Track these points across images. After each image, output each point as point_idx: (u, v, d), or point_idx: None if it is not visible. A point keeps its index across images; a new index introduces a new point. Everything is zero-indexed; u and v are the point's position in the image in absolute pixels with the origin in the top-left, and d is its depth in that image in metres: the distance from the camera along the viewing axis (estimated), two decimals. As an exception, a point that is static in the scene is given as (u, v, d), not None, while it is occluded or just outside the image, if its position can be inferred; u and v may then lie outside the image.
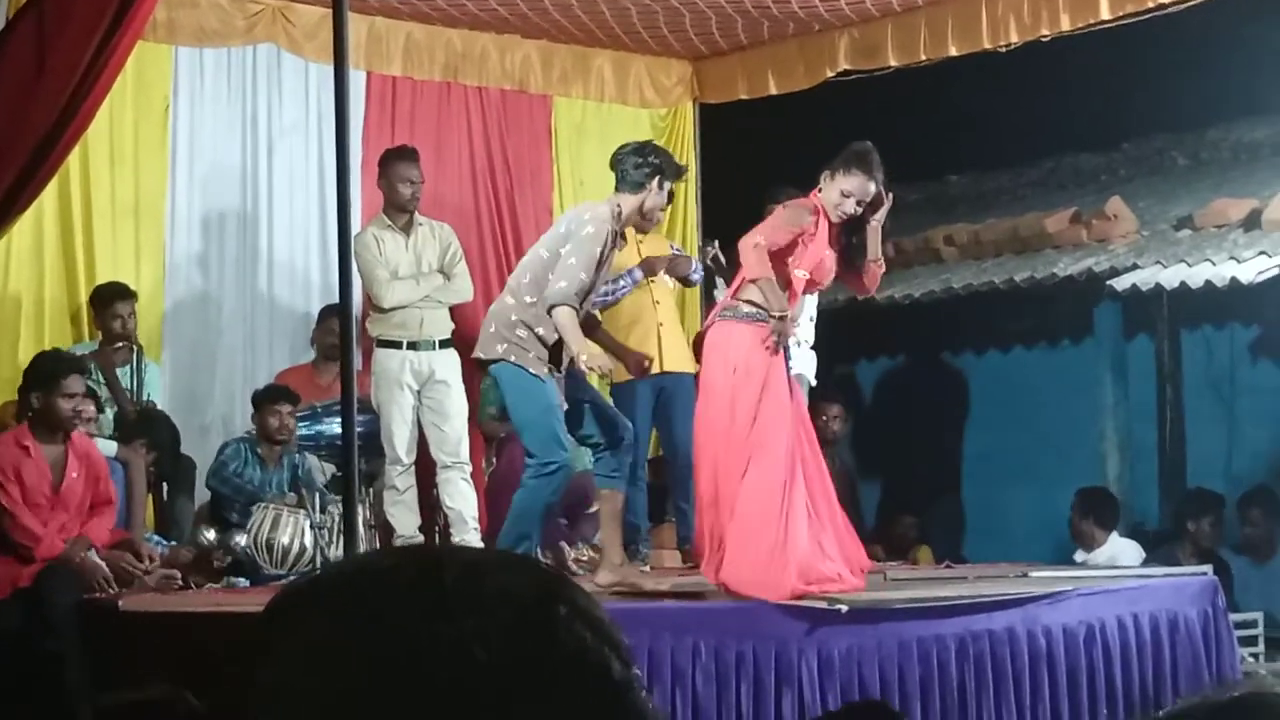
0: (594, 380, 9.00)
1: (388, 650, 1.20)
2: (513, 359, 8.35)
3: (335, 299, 9.33)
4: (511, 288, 8.58)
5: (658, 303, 10.47)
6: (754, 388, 7.88)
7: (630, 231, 10.38)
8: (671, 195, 10.36)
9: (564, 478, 8.40)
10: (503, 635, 1.21)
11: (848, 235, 8.26)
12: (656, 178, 8.50)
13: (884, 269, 8.61)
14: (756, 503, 7.78)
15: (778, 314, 7.90)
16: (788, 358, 8.15)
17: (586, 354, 8.17)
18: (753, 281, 7.94)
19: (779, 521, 7.75)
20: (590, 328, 8.62)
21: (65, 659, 8.01)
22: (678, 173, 8.79)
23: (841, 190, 8.09)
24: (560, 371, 8.48)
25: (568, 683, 1.22)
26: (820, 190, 8.18)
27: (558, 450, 8.33)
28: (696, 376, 9.19)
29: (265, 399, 10.24)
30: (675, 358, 10.47)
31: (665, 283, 10.63)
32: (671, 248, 11.07)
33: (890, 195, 8.31)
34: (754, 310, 7.97)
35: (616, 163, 8.69)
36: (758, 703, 7.36)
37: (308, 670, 1.21)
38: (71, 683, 7.94)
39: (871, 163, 8.13)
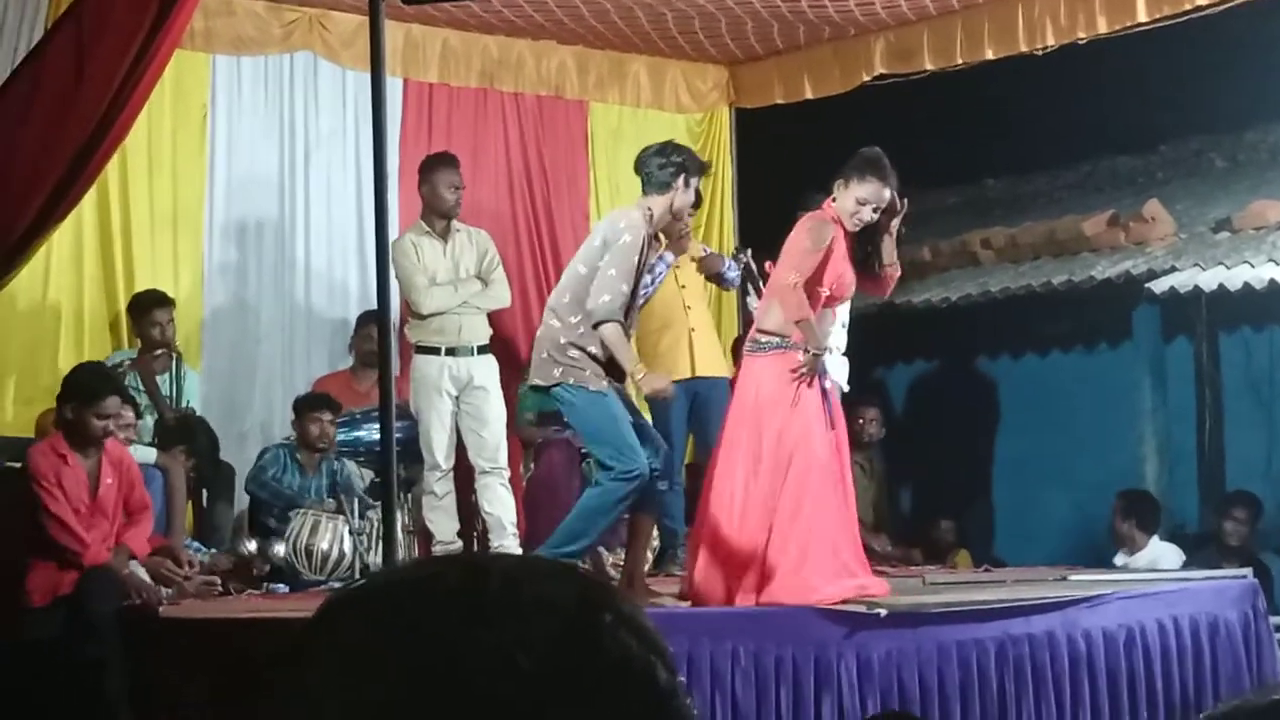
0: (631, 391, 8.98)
1: (428, 658, 1.20)
2: (571, 381, 8.32)
3: (373, 305, 9.36)
4: (554, 308, 8.53)
5: (689, 308, 10.46)
6: (782, 415, 7.88)
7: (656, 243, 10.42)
8: (699, 196, 10.40)
9: (642, 484, 8.37)
10: (546, 644, 1.21)
11: (862, 242, 8.24)
12: (682, 176, 8.51)
13: (899, 273, 8.61)
14: (803, 524, 7.81)
15: (815, 351, 7.91)
16: (822, 376, 8.12)
17: (643, 374, 8.27)
18: (797, 323, 7.92)
19: (812, 536, 7.80)
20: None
21: (106, 666, 8.04)
22: (701, 169, 8.78)
23: (857, 198, 8.07)
24: (620, 383, 8.48)
25: (612, 691, 1.22)
26: (834, 200, 8.15)
27: (635, 457, 8.23)
28: (732, 382, 9.21)
29: (306, 406, 10.28)
30: (708, 362, 10.48)
31: (699, 286, 10.62)
32: (703, 250, 11.05)
33: (905, 200, 8.28)
34: (778, 340, 7.99)
35: (640, 165, 8.70)
36: (797, 707, 7.35)
37: (347, 678, 1.22)
38: (112, 691, 7.96)
39: (885, 168, 8.11)
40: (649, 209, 8.50)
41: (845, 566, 8.04)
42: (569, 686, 1.21)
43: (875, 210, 8.10)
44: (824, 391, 8.04)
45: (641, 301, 9.67)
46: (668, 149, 8.69)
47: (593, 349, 8.29)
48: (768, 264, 9.14)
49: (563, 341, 8.34)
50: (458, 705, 1.19)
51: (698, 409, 10.39)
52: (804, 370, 7.88)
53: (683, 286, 10.47)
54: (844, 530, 8.09)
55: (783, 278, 8.03)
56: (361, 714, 1.20)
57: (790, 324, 7.95)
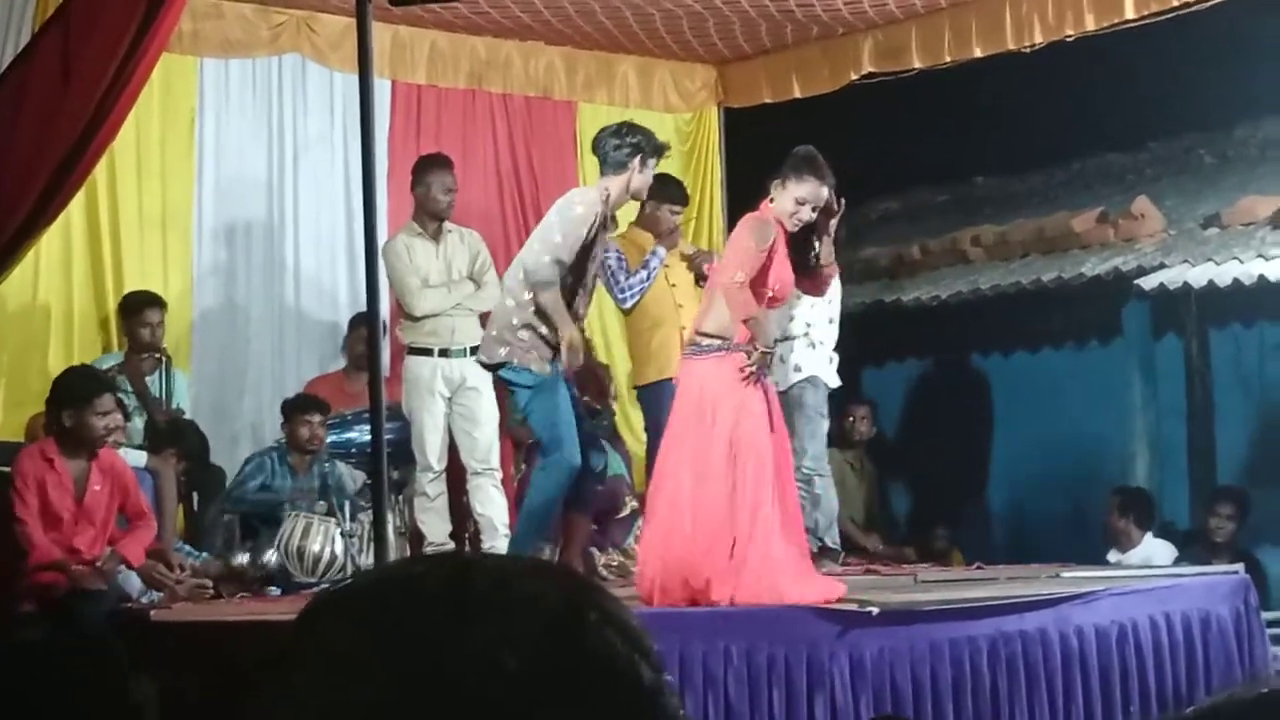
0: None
1: (413, 658, 1.20)
2: (515, 361, 8.40)
3: (362, 307, 9.36)
4: (509, 288, 8.60)
5: (680, 305, 10.46)
6: (729, 417, 7.76)
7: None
8: (686, 195, 10.43)
9: (571, 473, 8.35)
10: (531, 642, 1.21)
11: (799, 243, 8.16)
12: (638, 156, 8.54)
13: (836, 272, 8.55)
14: (763, 525, 7.77)
15: (765, 348, 7.83)
16: (764, 376, 8.01)
17: (567, 339, 8.29)
18: (745, 321, 7.78)
19: (773, 537, 7.76)
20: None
21: (129, 670, 7.95)
22: (658, 150, 8.76)
23: (796, 198, 7.96)
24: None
25: (597, 690, 1.22)
26: (772, 201, 8.06)
27: (567, 448, 8.33)
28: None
29: (295, 408, 10.27)
30: None
31: (689, 285, 10.62)
32: (692, 248, 11.03)
33: (842, 200, 8.19)
34: (719, 343, 7.85)
35: (597, 146, 8.73)
36: (790, 706, 7.34)
37: (332, 679, 1.21)
38: (139, 695, 7.84)
39: (821, 166, 8.00)
40: (606, 189, 8.54)
41: (809, 567, 8.03)
42: (554, 685, 1.20)
43: (814, 210, 8.01)
44: (764, 391, 7.96)
45: (635, 292, 9.73)
46: (623, 130, 8.71)
47: (544, 329, 8.32)
48: (707, 267, 9.11)
49: (514, 322, 8.43)
50: (443, 705, 1.19)
51: None
52: (752, 369, 7.80)
53: (673, 285, 10.46)
54: (798, 531, 8.06)
55: (727, 277, 7.87)
56: (347, 715, 1.19)
57: (732, 325, 7.81)
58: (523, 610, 1.23)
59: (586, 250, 8.42)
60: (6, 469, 8.95)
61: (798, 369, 10.22)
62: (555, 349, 8.45)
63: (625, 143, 8.57)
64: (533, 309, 8.38)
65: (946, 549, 12.67)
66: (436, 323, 10.07)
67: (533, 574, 1.28)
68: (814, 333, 10.26)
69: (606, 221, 8.61)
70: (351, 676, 1.21)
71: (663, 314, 10.42)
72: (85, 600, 8.34)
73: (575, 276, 8.50)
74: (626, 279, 10.27)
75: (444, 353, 10.06)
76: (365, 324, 10.33)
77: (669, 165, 12.21)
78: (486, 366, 8.75)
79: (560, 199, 8.91)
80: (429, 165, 10.40)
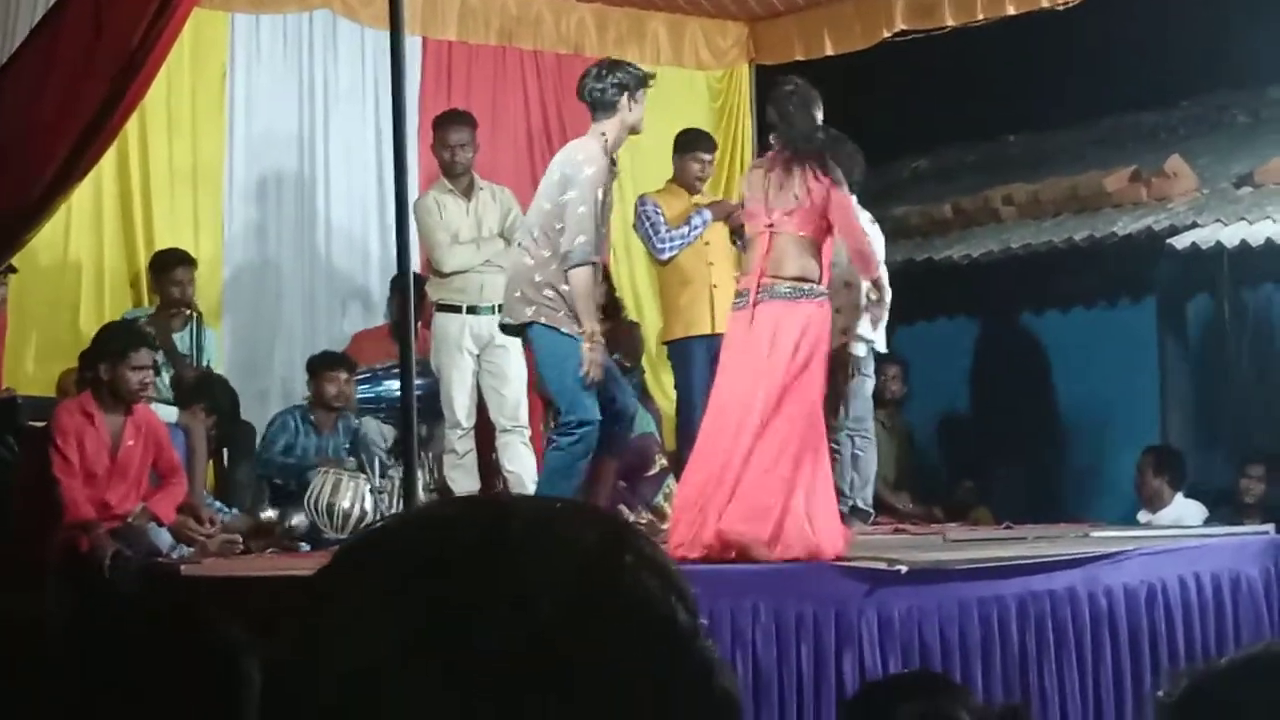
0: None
1: (450, 599, 1.20)
2: (544, 320, 8.30)
3: (393, 263, 9.36)
4: (525, 247, 8.51)
5: (711, 264, 10.45)
6: (821, 365, 7.79)
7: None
8: (714, 143, 10.39)
9: (593, 434, 8.32)
10: (566, 585, 1.21)
11: None
12: (624, 94, 8.48)
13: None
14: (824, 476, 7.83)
15: (881, 296, 8.31)
16: None
17: (591, 340, 8.14)
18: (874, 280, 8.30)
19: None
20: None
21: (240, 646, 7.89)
22: (642, 81, 8.65)
23: None
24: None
25: (632, 632, 1.22)
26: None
27: (587, 409, 8.27)
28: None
29: (321, 366, 10.26)
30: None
31: (722, 243, 10.60)
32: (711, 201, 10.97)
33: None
34: (822, 290, 7.82)
35: (582, 91, 8.63)
36: (818, 664, 7.35)
37: (365, 619, 1.21)
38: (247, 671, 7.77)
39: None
40: (603, 134, 8.47)
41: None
42: (589, 628, 1.20)
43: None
44: None
45: (675, 246, 9.75)
46: (604, 69, 8.63)
47: (565, 288, 8.26)
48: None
49: (537, 279, 8.31)
50: (480, 646, 1.19)
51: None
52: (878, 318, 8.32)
53: (706, 243, 10.46)
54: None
55: (865, 242, 8.15)
56: (378, 656, 1.19)
57: (819, 271, 7.80)
58: (558, 553, 1.23)
59: (604, 202, 8.37)
60: (39, 424, 8.99)
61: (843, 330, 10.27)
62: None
63: (608, 83, 8.50)
64: (553, 267, 8.29)
65: (976, 508, 12.65)
66: (465, 279, 10.07)
67: (569, 517, 1.28)
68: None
69: (613, 168, 8.55)
70: (383, 618, 1.21)
71: (693, 272, 10.42)
72: (118, 554, 8.36)
73: (597, 224, 8.43)
74: (666, 231, 10.27)
75: (472, 310, 10.06)
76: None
77: (701, 121, 12.22)
78: (511, 328, 8.64)
79: (559, 157, 8.70)
80: (436, 123, 10.43)
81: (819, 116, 8.11)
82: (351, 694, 1.20)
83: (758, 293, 7.75)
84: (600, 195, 8.24)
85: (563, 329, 8.29)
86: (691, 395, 10.10)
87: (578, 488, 8.41)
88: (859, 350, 10.36)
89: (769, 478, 7.59)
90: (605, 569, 1.24)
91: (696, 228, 10.32)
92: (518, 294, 8.42)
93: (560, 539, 1.24)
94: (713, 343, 10.16)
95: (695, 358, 10.24)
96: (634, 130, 8.69)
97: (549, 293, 8.25)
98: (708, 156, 10.54)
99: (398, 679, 1.19)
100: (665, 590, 1.25)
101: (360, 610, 1.22)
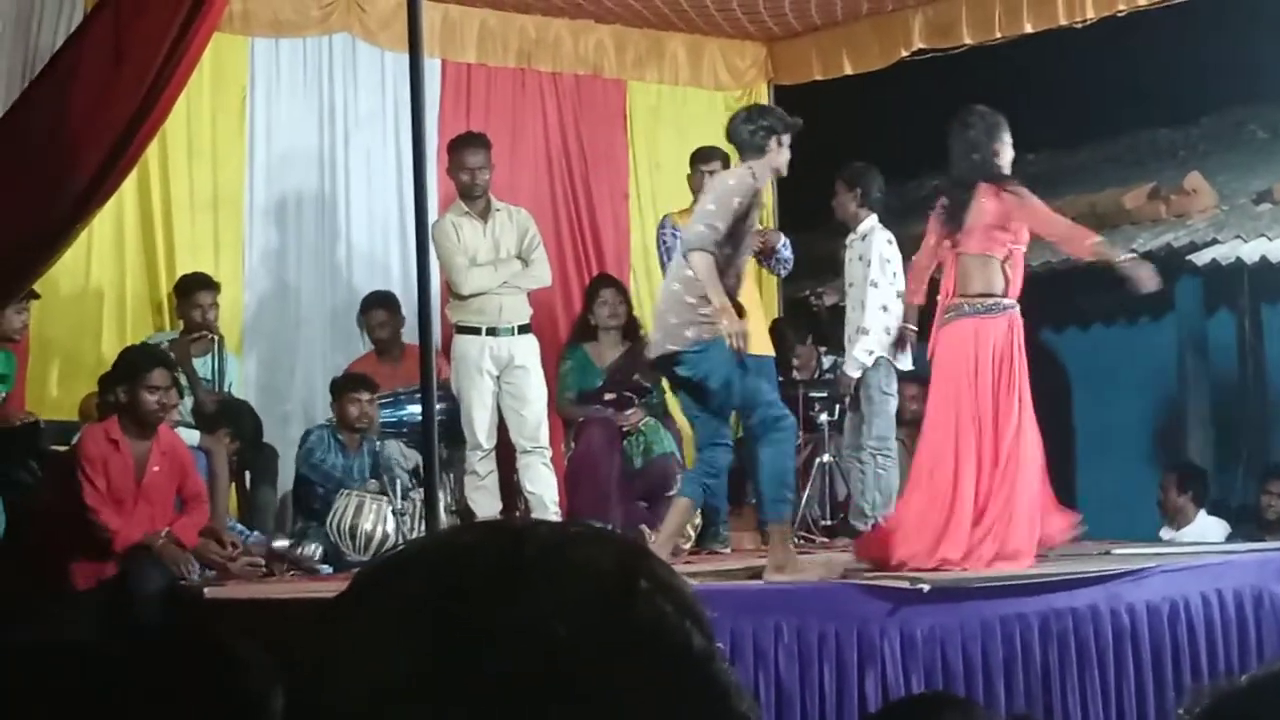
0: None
1: (462, 626, 1.21)
2: (706, 335, 8.22)
3: (414, 286, 9.35)
4: (676, 275, 8.45)
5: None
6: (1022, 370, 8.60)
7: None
8: (709, 155, 10.45)
9: (794, 425, 8.46)
10: (580, 610, 1.21)
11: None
12: (773, 137, 8.52)
13: None
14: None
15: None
16: None
17: (727, 319, 8.06)
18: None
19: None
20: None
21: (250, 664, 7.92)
22: (789, 126, 8.72)
23: None
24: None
25: (646, 657, 1.22)
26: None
27: (776, 403, 8.32)
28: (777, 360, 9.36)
29: (344, 387, 10.28)
30: (755, 341, 10.45)
31: (748, 265, 10.57)
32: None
33: None
34: (1002, 301, 8.58)
35: (732, 135, 8.67)
36: (841, 683, 7.35)
37: (381, 644, 1.22)
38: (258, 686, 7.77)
39: None
40: (750, 169, 8.50)
41: None
42: (603, 653, 1.20)
43: None
44: None
45: (743, 263, 9.77)
46: (753, 114, 8.67)
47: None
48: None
49: (690, 301, 8.18)
50: (494, 672, 1.19)
51: None
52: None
53: None
54: None
55: (1054, 217, 8.96)
56: (393, 681, 1.20)
57: (1005, 284, 8.58)
58: (573, 578, 1.23)
59: (741, 221, 8.34)
60: (61, 448, 9.02)
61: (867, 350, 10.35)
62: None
63: (759, 127, 8.54)
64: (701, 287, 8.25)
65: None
66: (484, 301, 10.08)
67: (585, 541, 1.28)
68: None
69: (759, 197, 8.59)
70: (399, 643, 1.21)
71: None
72: (142, 577, 8.38)
73: (732, 246, 8.38)
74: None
75: (492, 331, 10.08)
76: (378, 306, 10.47)
77: (716, 142, 12.26)
78: (667, 359, 8.39)
79: (709, 184, 8.88)
80: (452, 146, 10.42)
81: (987, 144, 9.03)
82: (367, 717, 1.21)
83: (945, 313, 8.66)
84: (735, 204, 8.19)
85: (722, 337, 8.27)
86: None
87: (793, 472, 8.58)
88: (853, 371, 10.40)
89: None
90: (620, 594, 1.24)
91: (788, 260, 10.42)
92: (674, 320, 8.26)
93: (575, 564, 1.24)
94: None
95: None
96: (777, 172, 8.73)
97: (705, 310, 8.14)
98: (705, 167, 10.51)
99: (409, 704, 1.19)
100: (680, 614, 1.25)
101: (373, 635, 1.23)
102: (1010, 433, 8.47)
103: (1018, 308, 8.64)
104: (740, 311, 8.22)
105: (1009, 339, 8.56)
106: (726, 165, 10.56)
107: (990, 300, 8.55)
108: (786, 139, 8.56)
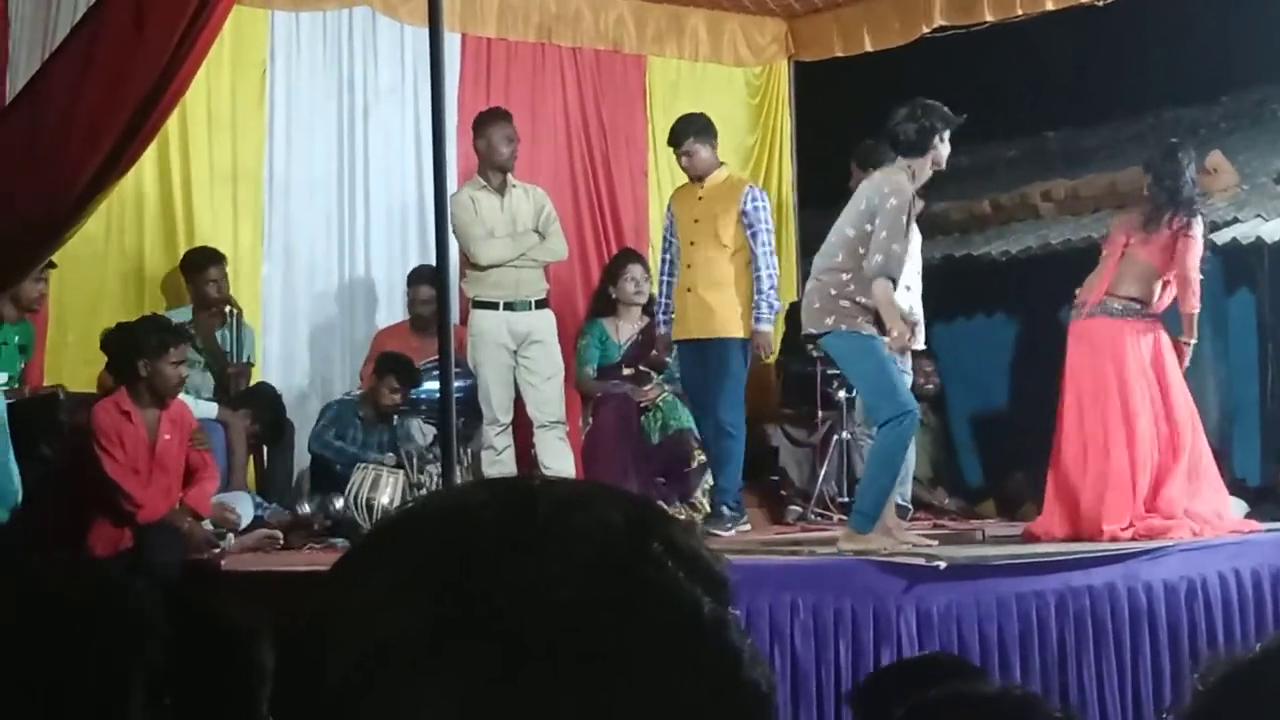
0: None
1: (469, 583, 1.19)
2: (844, 326, 8.48)
3: (432, 260, 9.36)
4: (828, 268, 8.64)
5: (689, 266, 10.27)
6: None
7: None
8: (676, 136, 10.38)
9: (913, 425, 8.64)
10: (586, 573, 1.19)
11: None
12: (935, 135, 8.56)
13: None
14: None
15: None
16: None
17: (897, 331, 8.43)
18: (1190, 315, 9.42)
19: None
20: None
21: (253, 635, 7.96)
22: (948, 121, 8.74)
23: None
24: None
25: (650, 621, 1.20)
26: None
27: (901, 401, 8.46)
28: (741, 342, 9.92)
29: (391, 372, 10.22)
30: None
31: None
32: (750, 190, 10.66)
33: None
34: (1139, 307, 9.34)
35: (892, 134, 8.68)
36: (856, 660, 7.35)
37: (383, 600, 1.20)
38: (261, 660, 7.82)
39: None
40: (910, 168, 8.57)
41: None
42: (605, 617, 1.19)
43: None
44: None
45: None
46: (915, 112, 8.65)
47: (862, 299, 8.43)
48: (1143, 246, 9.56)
49: (833, 293, 8.52)
50: (499, 634, 1.17)
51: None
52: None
53: (692, 243, 10.30)
54: None
55: (1193, 270, 9.29)
56: (398, 639, 1.18)
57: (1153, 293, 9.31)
58: (582, 539, 1.21)
59: (906, 233, 8.56)
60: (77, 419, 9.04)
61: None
62: (878, 323, 8.49)
63: (922, 126, 8.59)
64: (852, 286, 8.48)
65: (1027, 502, 12.59)
66: (500, 275, 10.07)
67: (598, 501, 1.25)
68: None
69: (915, 200, 8.70)
70: (404, 603, 1.20)
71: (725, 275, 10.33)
72: (158, 549, 8.39)
73: (902, 249, 8.59)
74: None
75: (509, 306, 10.07)
76: (424, 281, 10.41)
77: (735, 118, 12.23)
78: (813, 337, 8.90)
79: (866, 186, 8.76)
80: (487, 119, 10.38)
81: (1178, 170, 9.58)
82: (361, 676, 1.19)
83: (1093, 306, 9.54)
84: (903, 222, 8.43)
85: (861, 331, 8.45)
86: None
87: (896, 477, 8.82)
88: None
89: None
90: (628, 556, 1.22)
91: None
92: (817, 305, 8.61)
93: (586, 524, 1.22)
94: (746, 343, 10.13)
95: (697, 358, 10.24)
96: (937, 167, 8.78)
97: (845, 303, 8.46)
98: (676, 148, 10.42)
99: (409, 662, 1.18)
100: (692, 579, 1.23)
101: (376, 592, 1.21)
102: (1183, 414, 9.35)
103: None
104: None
105: (1157, 340, 9.41)
106: (702, 142, 10.35)
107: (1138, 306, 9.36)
108: (948, 134, 8.64)
